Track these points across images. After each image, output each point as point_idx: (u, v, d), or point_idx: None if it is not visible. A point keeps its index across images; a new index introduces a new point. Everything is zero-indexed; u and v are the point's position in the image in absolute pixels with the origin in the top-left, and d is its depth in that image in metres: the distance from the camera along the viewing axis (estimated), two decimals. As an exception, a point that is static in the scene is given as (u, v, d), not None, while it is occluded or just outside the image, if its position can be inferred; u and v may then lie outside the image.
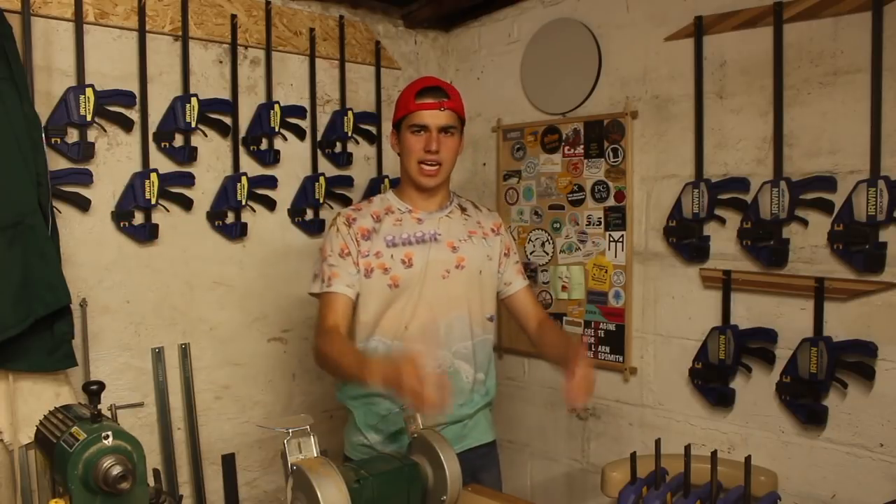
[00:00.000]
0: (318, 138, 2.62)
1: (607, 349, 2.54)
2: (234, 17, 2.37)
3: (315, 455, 1.32)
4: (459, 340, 1.83)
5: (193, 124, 2.26)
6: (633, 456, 1.74)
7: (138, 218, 2.20)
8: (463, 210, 1.93)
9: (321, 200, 2.60)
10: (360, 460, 1.64)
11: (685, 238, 2.29)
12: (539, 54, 2.70)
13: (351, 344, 1.78)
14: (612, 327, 2.52)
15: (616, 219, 2.49)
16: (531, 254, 2.75)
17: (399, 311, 1.79)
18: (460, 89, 2.98)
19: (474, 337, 1.85)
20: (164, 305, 2.28)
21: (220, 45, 2.37)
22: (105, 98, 2.10)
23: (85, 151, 2.08)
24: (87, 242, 2.11)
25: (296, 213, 2.57)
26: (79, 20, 2.05)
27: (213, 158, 2.36)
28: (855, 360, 1.97)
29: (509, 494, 1.80)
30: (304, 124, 2.58)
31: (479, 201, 2.92)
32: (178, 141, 2.27)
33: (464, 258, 1.83)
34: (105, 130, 2.13)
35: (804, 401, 2.05)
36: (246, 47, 2.43)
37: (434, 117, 1.77)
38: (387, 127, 2.84)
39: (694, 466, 1.63)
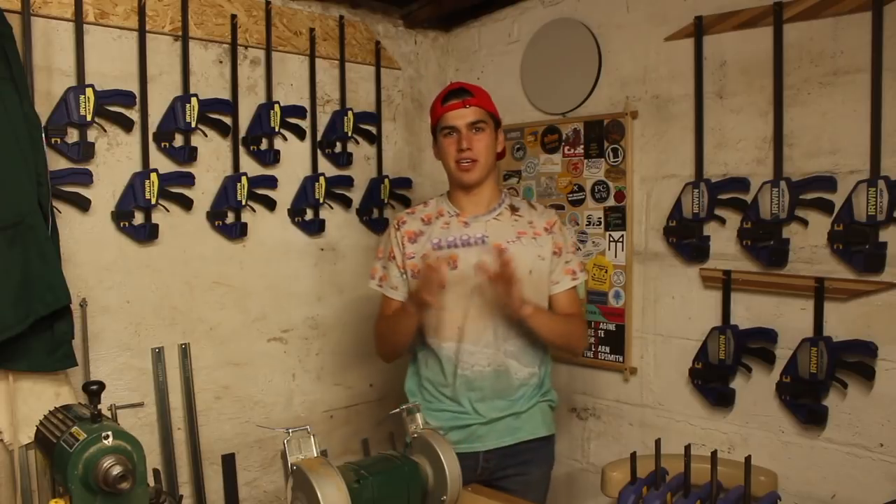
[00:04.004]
0: (318, 138, 2.62)
1: (607, 349, 2.54)
2: (234, 17, 2.37)
3: (315, 455, 1.32)
4: (510, 338, 1.89)
5: (193, 124, 2.26)
6: (633, 456, 1.74)
7: (138, 218, 2.20)
8: (514, 210, 1.95)
9: (321, 200, 2.60)
10: (359, 460, 1.64)
11: (685, 238, 2.29)
12: (539, 54, 2.70)
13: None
14: (612, 327, 2.52)
15: (616, 219, 2.49)
16: (531, 254, 2.75)
17: (449, 311, 1.86)
18: (460, 89, 3.02)
19: (526, 335, 1.90)
20: (164, 305, 2.28)
21: (220, 45, 2.37)
22: (105, 98, 2.10)
23: (85, 151, 2.08)
24: (87, 242, 2.11)
25: (296, 213, 2.56)
26: (79, 20, 2.05)
27: (213, 158, 2.36)
28: (855, 360, 1.97)
29: (509, 495, 1.80)
30: (304, 124, 2.58)
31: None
32: (178, 141, 2.27)
33: (511, 259, 1.84)
34: (105, 130, 2.13)
35: (804, 401, 2.05)
36: (246, 47, 2.43)
37: (460, 117, 1.84)
38: (387, 126, 2.85)
39: (694, 466, 1.62)
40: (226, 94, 2.38)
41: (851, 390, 1.99)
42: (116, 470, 1.15)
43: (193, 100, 2.26)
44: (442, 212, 1.94)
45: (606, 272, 2.52)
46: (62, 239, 1.97)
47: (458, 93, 1.86)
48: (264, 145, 2.47)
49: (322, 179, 2.60)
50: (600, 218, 2.53)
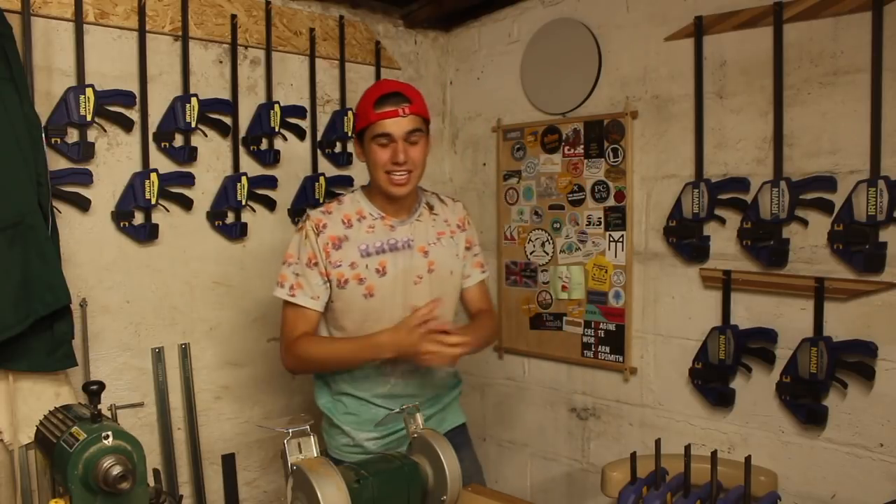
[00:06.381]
0: (318, 138, 2.62)
1: (607, 349, 2.54)
2: (234, 17, 2.37)
3: (315, 455, 1.32)
4: None
5: (193, 124, 2.26)
6: (633, 456, 1.74)
7: (138, 218, 2.20)
8: (430, 209, 1.92)
9: (322, 200, 2.60)
10: (359, 460, 1.64)
11: (685, 238, 2.29)
12: (539, 54, 2.70)
13: (334, 337, 1.86)
14: (612, 327, 2.52)
15: (616, 219, 2.49)
16: (531, 254, 2.75)
17: (377, 319, 1.81)
18: (460, 89, 3.03)
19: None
20: (164, 305, 2.28)
21: (220, 45, 2.37)
22: (105, 98, 2.10)
23: (85, 151, 2.08)
24: (87, 242, 2.11)
25: (296, 213, 2.56)
26: (79, 20, 2.05)
27: (213, 158, 2.36)
28: (855, 360, 1.97)
29: (509, 494, 1.80)
30: (304, 124, 2.58)
31: (479, 201, 2.94)
32: (178, 141, 2.27)
33: (434, 262, 1.87)
34: (105, 130, 2.13)
35: (804, 401, 2.05)
36: (246, 47, 2.43)
37: (397, 125, 1.73)
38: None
39: (694, 466, 1.62)
40: (226, 94, 2.38)
41: (851, 390, 1.99)
42: (116, 470, 1.15)
43: (193, 100, 2.26)
44: (363, 213, 1.82)
45: (606, 272, 2.52)
46: (62, 239, 1.97)
47: (393, 97, 1.73)
48: (264, 145, 2.47)
49: (322, 179, 2.60)
50: (600, 218, 2.53)
